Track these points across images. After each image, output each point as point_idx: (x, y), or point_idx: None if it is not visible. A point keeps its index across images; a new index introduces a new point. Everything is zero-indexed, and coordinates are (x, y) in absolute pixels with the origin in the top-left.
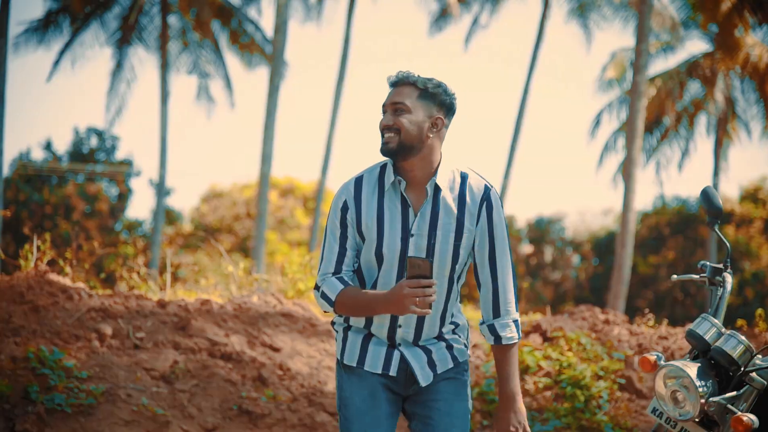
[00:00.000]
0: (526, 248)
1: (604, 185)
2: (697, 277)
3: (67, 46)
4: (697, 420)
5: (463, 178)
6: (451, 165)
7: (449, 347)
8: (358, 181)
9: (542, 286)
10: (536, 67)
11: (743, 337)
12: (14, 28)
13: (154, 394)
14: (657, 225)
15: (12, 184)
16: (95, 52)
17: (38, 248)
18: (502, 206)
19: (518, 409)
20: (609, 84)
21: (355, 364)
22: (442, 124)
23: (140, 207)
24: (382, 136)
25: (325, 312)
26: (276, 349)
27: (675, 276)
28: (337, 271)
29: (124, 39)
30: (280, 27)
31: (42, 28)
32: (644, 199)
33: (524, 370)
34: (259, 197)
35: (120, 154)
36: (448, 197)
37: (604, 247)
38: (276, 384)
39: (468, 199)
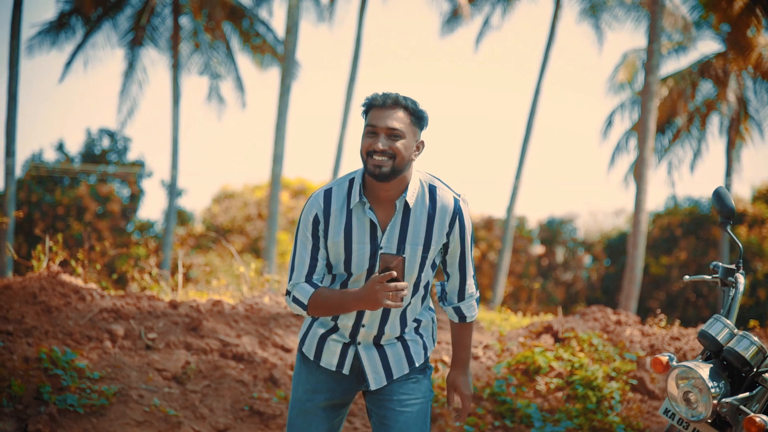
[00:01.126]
0: (538, 249)
1: (616, 186)
2: (710, 277)
3: (80, 47)
4: (709, 421)
5: (431, 190)
6: (418, 177)
7: (406, 350)
8: (327, 194)
9: (554, 286)
10: (547, 67)
11: (756, 338)
12: (27, 30)
13: (166, 394)
14: (669, 226)
15: (24, 185)
16: (107, 54)
17: (50, 249)
18: (467, 213)
19: (469, 373)
20: (621, 85)
21: (311, 358)
22: (423, 147)
23: (152, 208)
24: (370, 157)
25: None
26: (287, 350)
27: (687, 277)
28: (308, 281)
29: (136, 40)
30: (292, 28)
31: (54, 29)
32: (656, 200)
33: (536, 371)
34: (270, 198)
35: (132, 155)
36: (417, 211)
37: (616, 247)
38: (287, 384)
39: (438, 212)
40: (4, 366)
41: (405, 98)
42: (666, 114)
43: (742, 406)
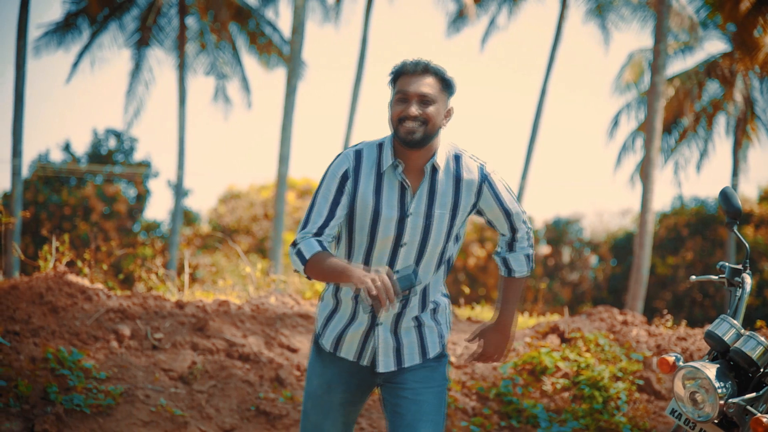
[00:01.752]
0: (544, 249)
1: (622, 186)
2: (716, 277)
3: (86, 47)
4: (716, 421)
5: (457, 158)
6: (445, 146)
7: (422, 340)
8: (358, 153)
9: (560, 287)
10: (554, 67)
11: (763, 338)
12: (33, 31)
13: (173, 394)
14: (675, 226)
15: (31, 185)
16: (114, 54)
17: (57, 249)
18: (501, 177)
19: (509, 335)
20: (627, 85)
21: (329, 349)
22: (452, 114)
23: (158, 208)
24: (402, 123)
25: (295, 271)
26: (293, 350)
27: (694, 277)
28: (319, 233)
29: (143, 40)
30: (298, 28)
31: (61, 30)
32: (663, 200)
33: (542, 371)
34: (276, 198)
35: (138, 156)
36: (445, 178)
37: (622, 247)
38: (293, 384)
39: (464, 179)
40: (11, 366)
41: (434, 65)
42: (672, 114)
43: (748, 407)
